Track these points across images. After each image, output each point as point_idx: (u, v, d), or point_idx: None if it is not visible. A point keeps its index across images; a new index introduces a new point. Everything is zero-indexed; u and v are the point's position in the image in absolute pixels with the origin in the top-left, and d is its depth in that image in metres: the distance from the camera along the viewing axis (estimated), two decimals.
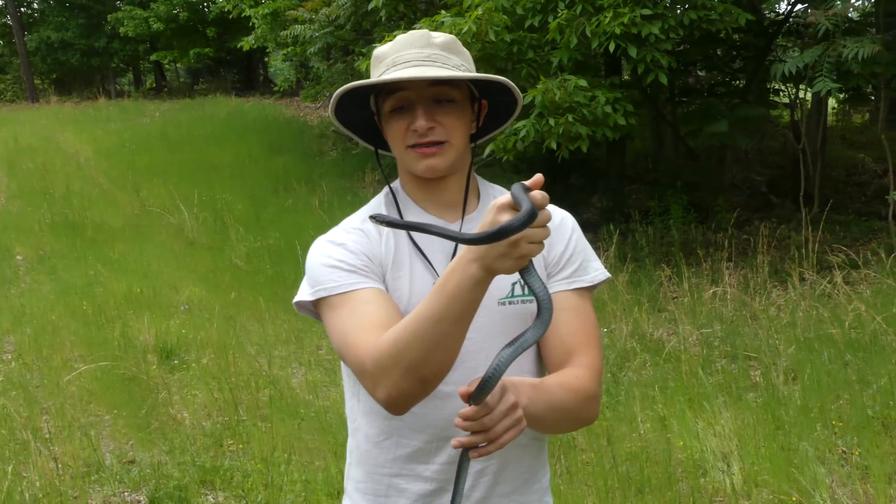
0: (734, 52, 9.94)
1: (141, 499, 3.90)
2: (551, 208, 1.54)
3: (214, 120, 17.53)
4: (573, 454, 3.94)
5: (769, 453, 3.77)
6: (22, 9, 28.19)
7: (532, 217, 1.13)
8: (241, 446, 4.37)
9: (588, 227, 8.50)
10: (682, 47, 8.40)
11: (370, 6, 9.30)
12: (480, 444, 1.24)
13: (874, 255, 6.35)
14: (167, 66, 30.23)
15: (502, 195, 1.20)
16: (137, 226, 10.26)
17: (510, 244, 1.16)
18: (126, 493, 3.95)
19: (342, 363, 1.55)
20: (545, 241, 1.19)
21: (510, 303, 1.50)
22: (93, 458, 4.23)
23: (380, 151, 1.66)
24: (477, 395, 1.21)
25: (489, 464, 1.52)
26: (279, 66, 29.04)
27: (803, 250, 6.37)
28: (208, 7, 24.79)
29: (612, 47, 6.52)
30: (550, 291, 1.49)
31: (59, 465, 4.04)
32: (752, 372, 4.99)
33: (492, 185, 1.64)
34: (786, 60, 6.94)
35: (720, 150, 9.58)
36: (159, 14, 23.66)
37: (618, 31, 6.43)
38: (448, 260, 1.49)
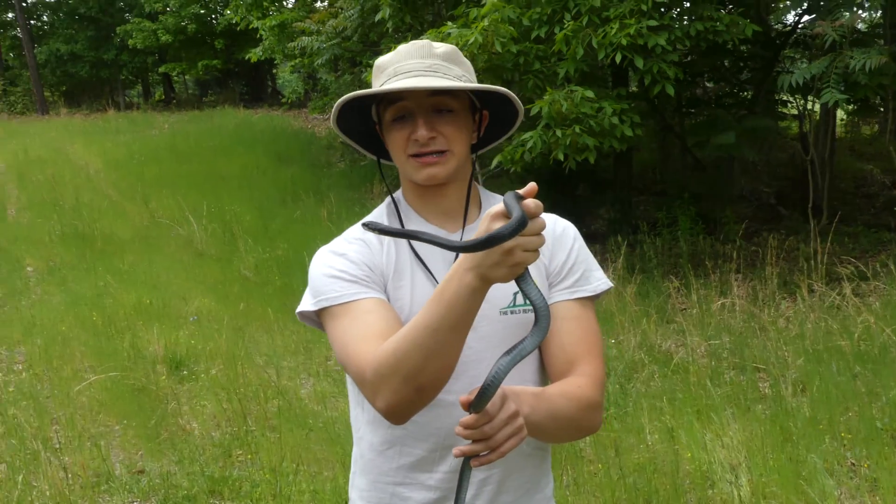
0: (741, 63, 9.92)
1: None
2: (553, 218, 1.55)
3: (223, 131, 17.61)
4: (581, 465, 3.94)
5: (777, 465, 3.76)
6: (32, 21, 28.46)
7: (522, 224, 1.13)
8: (249, 456, 4.38)
9: (596, 239, 8.51)
10: (689, 58, 8.41)
11: (377, 17, 9.38)
12: (482, 453, 1.24)
13: (883, 266, 6.33)
14: (176, 77, 30.45)
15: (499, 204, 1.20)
16: (146, 237, 10.30)
17: (504, 252, 1.16)
18: (136, 503, 3.97)
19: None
20: (546, 251, 1.19)
21: (512, 312, 1.50)
22: (102, 468, 4.25)
23: (382, 161, 1.67)
24: (477, 404, 1.21)
25: (492, 473, 1.53)
26: (287, 77, 29.25)
27: (812, 262, 6.33)
28: (216, 19, 24.96)
29: (618, 58, 6.53)
30: (552, 301, 1.51)
31: (69, 475, 4.06)
32: (761, 383, 4.98)
33: (494, 195, 1.64)
34: (793, 71, 6.91)
35: (728, 162, 9.54)
36: (168, 26, 23.88)
37: (624, 42, 6.43)
38: (448, 269, 1.50)
